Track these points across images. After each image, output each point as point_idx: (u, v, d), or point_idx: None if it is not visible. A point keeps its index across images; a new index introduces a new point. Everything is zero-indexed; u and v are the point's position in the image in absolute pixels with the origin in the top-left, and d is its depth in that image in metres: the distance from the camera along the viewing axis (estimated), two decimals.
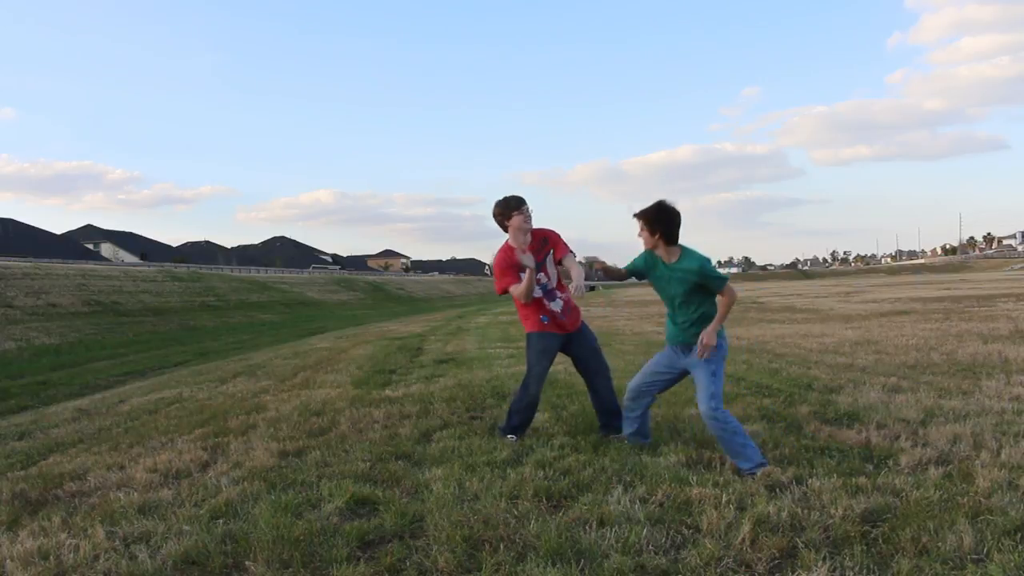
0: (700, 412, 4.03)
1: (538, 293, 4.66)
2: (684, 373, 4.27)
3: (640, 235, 4.13)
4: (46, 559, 3.01)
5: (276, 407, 6.52)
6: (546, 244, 4.69)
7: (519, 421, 4.78)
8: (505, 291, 4.71)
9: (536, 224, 4.69)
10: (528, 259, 4.50)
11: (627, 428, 4.50)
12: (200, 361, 15.96)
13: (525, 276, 4.54)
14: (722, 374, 4.08)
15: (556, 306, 4.71)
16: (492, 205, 4.71)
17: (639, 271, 4.27)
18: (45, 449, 5.70)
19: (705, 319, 4.09)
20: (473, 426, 5.16)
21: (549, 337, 4.74)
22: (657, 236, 4.07)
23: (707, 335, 4.01)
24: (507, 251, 4.67)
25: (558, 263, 4.68)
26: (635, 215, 4.12)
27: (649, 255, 4.20)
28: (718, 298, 4.11)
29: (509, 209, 4.65)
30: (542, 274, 4.67)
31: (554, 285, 4.74)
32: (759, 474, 3.70)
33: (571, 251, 4.68)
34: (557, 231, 4.77)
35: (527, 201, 4.69)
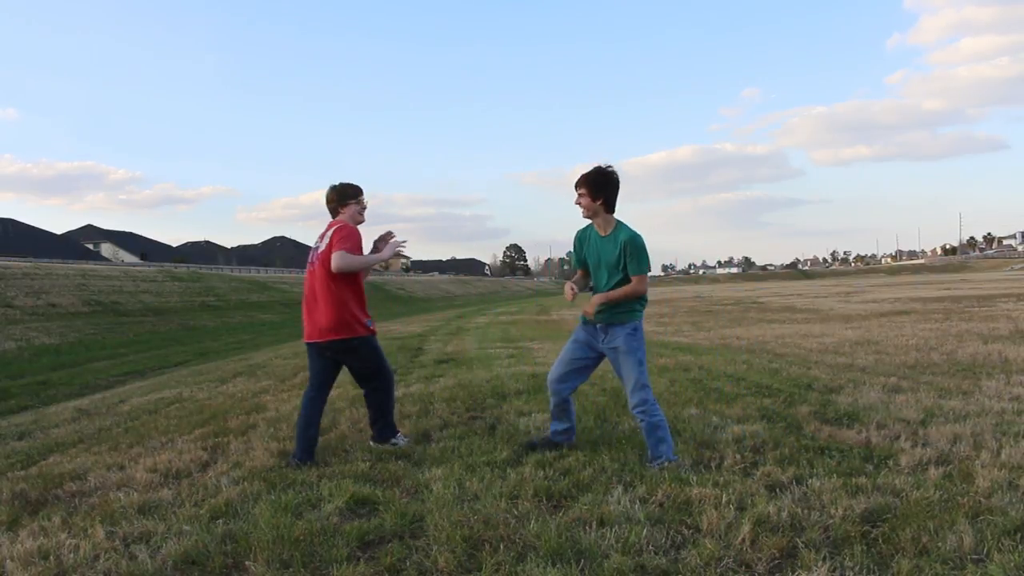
0: (629, 403, 4.07)
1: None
2: (602, 356, 4.22)
3: (579, 201, 4.04)
4: (46, 559, 3.01)
5: (276, 407, 6.52)
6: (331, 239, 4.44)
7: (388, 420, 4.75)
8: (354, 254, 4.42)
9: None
10: (390, 250, 4.62)
11: (553, 426, 4.39)
12: (200, 361, 15.96)
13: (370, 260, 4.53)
14: (645, 364, 4.08)
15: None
16: (330, 189, 4.64)
17: (583, 259, 4.21)
18: (45, 449, 5.69)
19: (627, 302, 4.04)
20: (473, 426, 5.16)
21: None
22: (599, 202, 4.01)
23: (592, 303, 4.04)
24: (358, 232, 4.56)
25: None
26: (580, 179, 4.03)
27: (581, 234, 4.20)
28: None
29: (346, 197, 4.60)
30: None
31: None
32: (668, 465, 3.85)
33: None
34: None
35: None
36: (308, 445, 4.41)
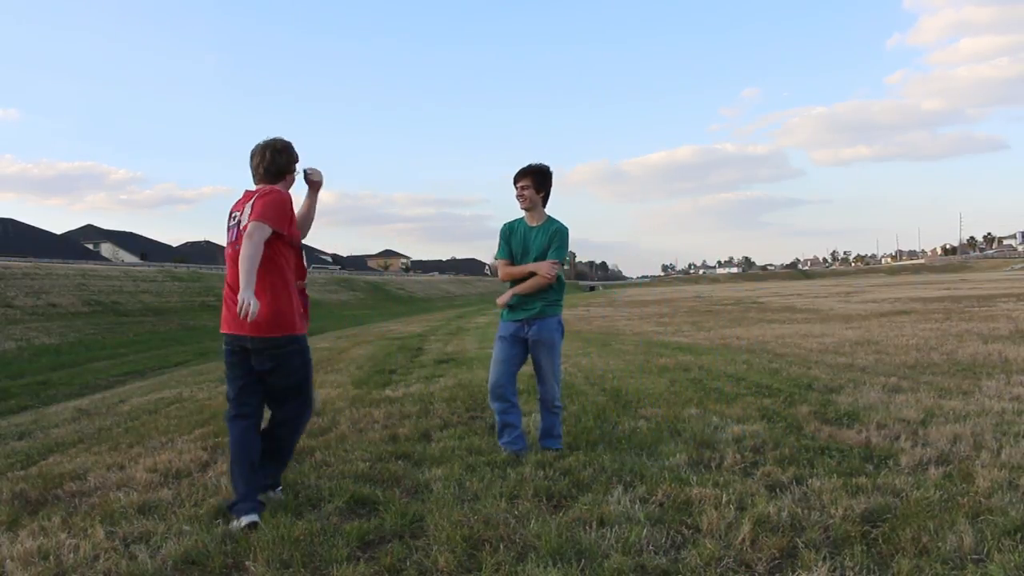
0: (547, 395, 4.31)
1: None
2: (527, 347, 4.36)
3: (523, 192, 4.27)
4: (46, 559, 3.00)
5: None
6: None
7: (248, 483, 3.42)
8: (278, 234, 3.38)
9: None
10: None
11: (505, 438, 4.33)
12: (200, 361, 15.95)
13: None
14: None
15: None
16: (277, 145, 3.61)
17: (513, 252, 4.39)
18: (45, 449, 5.69)
19: (546, 294, 4.27)
20: (473, 426, 5.16)
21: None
22: (542, 195, 4.31)
23: (503, 298, 4.31)
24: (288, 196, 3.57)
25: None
26: (524, 170, 4.27)
27: (508, 227, 4.39)
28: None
29: (294, 164, 3.69)
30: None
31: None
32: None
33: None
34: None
35: None
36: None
